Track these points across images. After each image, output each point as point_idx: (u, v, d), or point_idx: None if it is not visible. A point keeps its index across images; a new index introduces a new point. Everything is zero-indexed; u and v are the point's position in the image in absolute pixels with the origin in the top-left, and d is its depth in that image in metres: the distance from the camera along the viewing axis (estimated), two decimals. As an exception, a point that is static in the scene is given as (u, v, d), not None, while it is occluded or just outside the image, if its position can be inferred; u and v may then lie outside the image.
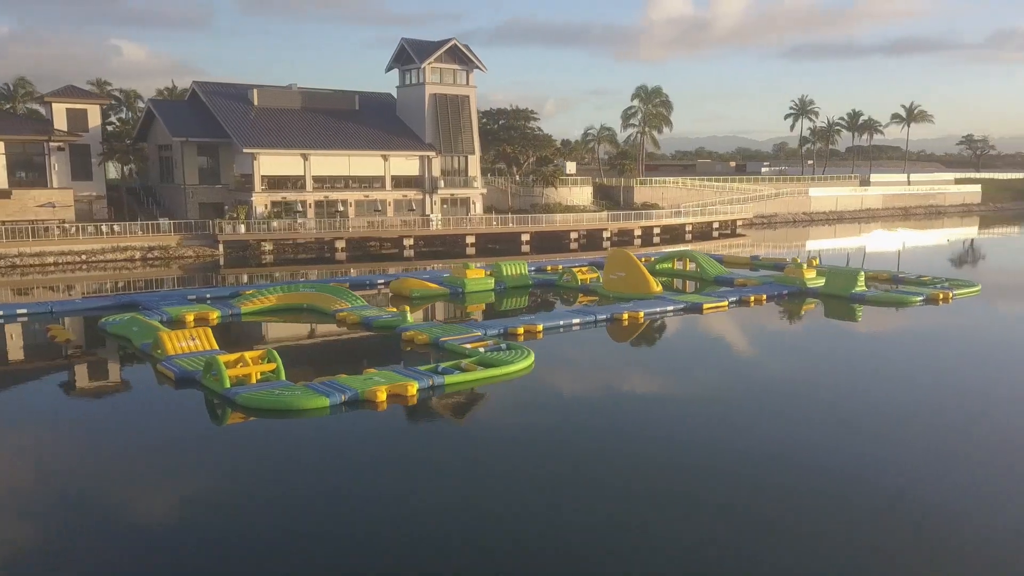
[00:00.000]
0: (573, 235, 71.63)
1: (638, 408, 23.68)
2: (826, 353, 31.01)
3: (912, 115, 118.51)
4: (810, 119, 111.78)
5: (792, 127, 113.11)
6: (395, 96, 77.65)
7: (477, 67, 73.96)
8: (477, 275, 43.39)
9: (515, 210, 76.24)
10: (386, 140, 71.24)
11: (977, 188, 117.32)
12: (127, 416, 23.08)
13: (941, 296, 40.64)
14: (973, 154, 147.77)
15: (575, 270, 45.02)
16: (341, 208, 67.61)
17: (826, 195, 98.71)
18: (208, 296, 40.29)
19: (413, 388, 23.64)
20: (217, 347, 28.28)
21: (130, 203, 68.10)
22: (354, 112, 73.59)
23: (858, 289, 40.97)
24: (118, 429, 21.66)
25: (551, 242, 70.73)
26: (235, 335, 32.56)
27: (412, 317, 33.62)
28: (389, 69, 75.16)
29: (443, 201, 72.69)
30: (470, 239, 67.72)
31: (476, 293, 42.81)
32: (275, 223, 63.50)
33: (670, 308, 37.59)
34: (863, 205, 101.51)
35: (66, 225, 58.10)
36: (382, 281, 46.13)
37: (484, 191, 75.56)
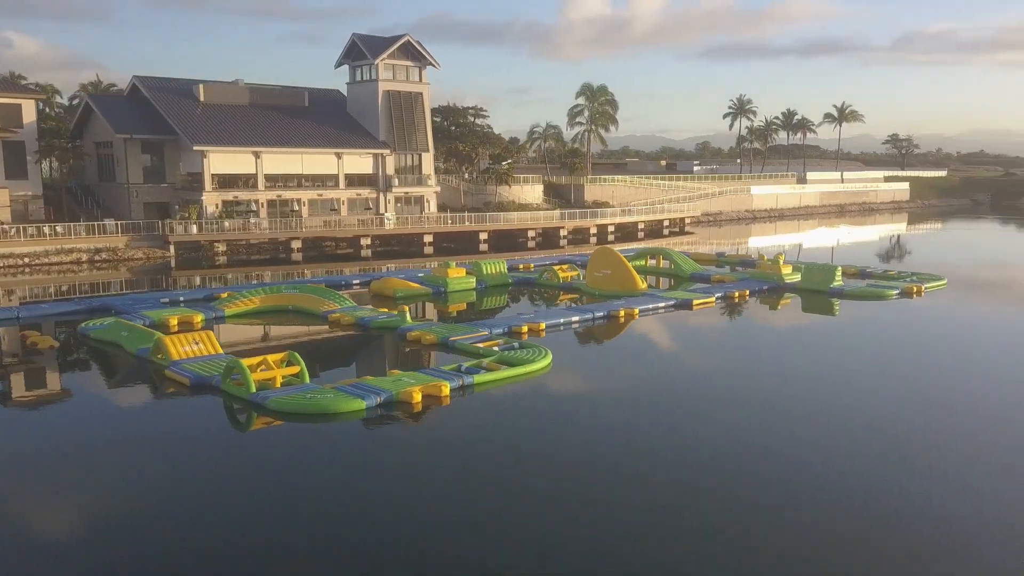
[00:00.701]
0: (531, 233, 71.26)
1: (673, 404, 23.35)
2: (841, 346, 31.27)
3: (844, 115, 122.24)
4: (748, 118, 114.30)
5: (731, 126, 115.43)
6: (344, 92, 76.04)
7: (430, 64, 72.93)
8: (458, 274, 42.61)
9: (468, 208, 75.43)
10: (339, 138, 69.60)
11: (905, 186, 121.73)
12: (155, 426, 21.66)
13: (915, 290, 41.75)
14: (899, 153, 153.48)
15: (556, 268, 44.62)
16: (298, 208, 65.71)
17: (767, 193, 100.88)
18: (182, 299, 38.51)
19: (446, 388, 23.03)
20: (222, 351, 27.01)
21: (69, 203, 64.82)
22: (304, 109, 71.68)
23: (836, 284, 41.71)
24: (152, 441, 20.17)
25: (508, 241, 70.23)
26: (231, 339, 31.04)
27: (411, 318, 32.70)
28: (339, 65, 73.50)
29: (397, 200, 71.42)
30: (428, 238, 66.70)
31: (458, 292, 42.07)
32: (227, 223, 61.33)
33: (662, 305, 37.57)
34: (801, 203, 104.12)
35: (4, 227, 54.90)
36: (357, 282, 44.89)
37: (438, 189, 74.56)
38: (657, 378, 26.64)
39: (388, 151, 70.36)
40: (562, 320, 33.72)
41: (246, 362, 23.24)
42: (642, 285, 40.92)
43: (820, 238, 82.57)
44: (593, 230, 74.79)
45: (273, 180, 65.75)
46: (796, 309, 39.00)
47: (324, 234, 63.80)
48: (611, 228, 76.09)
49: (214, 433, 21.39)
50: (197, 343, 26.90)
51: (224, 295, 39.03)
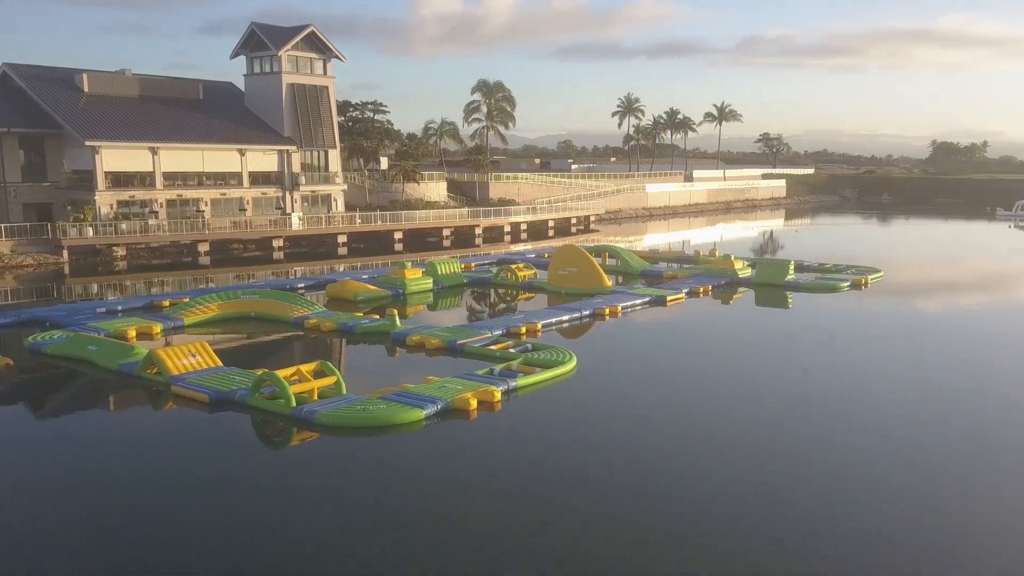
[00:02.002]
0: (445, 232, 69.25)
1: (706, 396, 22.48)
2: (848, 337, 31.60)
3: (723, 114, 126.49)
4: (636, 117, 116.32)
5: (620, 124, 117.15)
6: (237, 85, 71.58)
7: (336, 56, 69.60)
8: (415, 275, 40.40)
9: (374, 207, 72.58)
10: (241, 133, 65.24)
11: (782, 183, 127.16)
12: (193, 455, 18.69)
13: (863, 281, 43.00)
14: (770, 151, 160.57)
15: (513, 267, 43.10)
16: (203, 207, 61.04)
17: (661, 191, 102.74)
18: (119, 308, 34.63)
19: (497, 394, 21.69)
20: (220, 363, 24.20)
21: (-67, 205, 57.63)
22: (199, 102, 66.81)
23: (790, 278, 42.34)
24: (203, 478, 17.29)
25: (421, 240, 68.03)
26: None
27: (400, 322, 30.44)
28: (235, 55, 68.92)
29: (303, 199, 67.75)
30: (341, 239, 63.59)
31: (416, 294, 39.91)
32: (124, 225, 56.20)
33: (638, 302, 36.85)
34: (691, 200, 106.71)
35: None
36: (302, 285, 41.78)
37: (345, 187, 71.32)
38: (684, 372, 26.05)
39: (294, 147, 66.58)
40: (554, 319, 32.38)
41: (281, 374, 20.81)
42: (608, 283, 40.07)
43: (719, 233, 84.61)
44: (507, 228, 73.60)
45: (172, 178, 60.79)
46: (767, 302, 39.35)
47: (233, 236, 59.57)
48: (523, 226, 75.19)
49: (269, 459, 18.77)
50: (194, 355, 24.02)
51: (166, 303, 35.63)
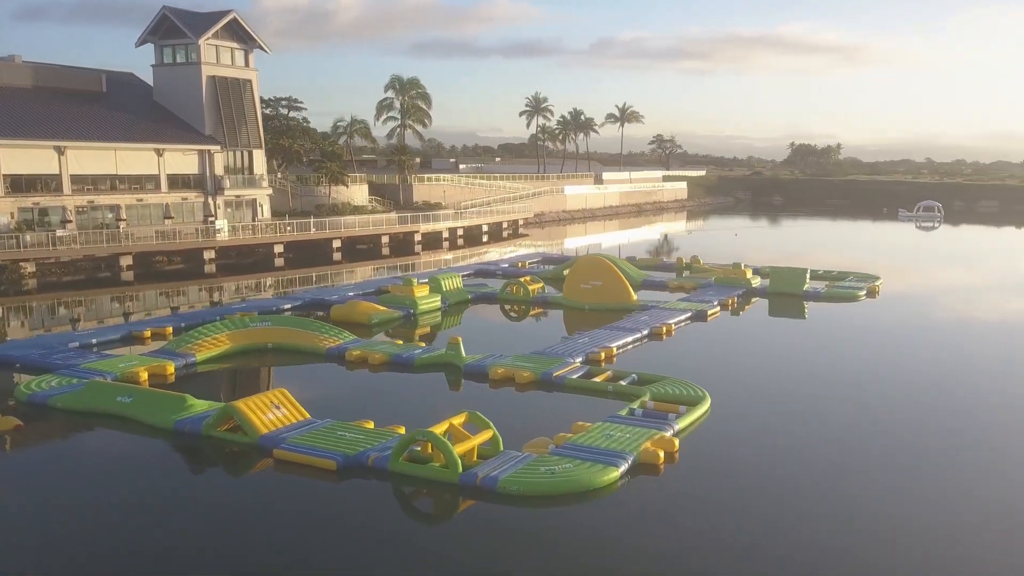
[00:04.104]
0: (384, 239, 64.23)
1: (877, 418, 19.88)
2: (932, 344, 30.46)
3: (625, 115, 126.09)
4: (545, 117, 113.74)
5: (528, 124, 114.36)
6: (139, 76, 64.10)
7: (260, 47, 63.22)
8: (423, 292, 35.95)
9: (297, 212, 66.62)
10: (157, 131, 57.96)
11: (684, 185, 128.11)
12: (352, 543, 14.08)
13: (875, 289, 41.97)
14: (663, 153, 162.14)
15: (523, 280, 39.25)
16: (123, 216, 53.58)
17: (578, 194, 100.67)
18: (95, 342, 28.57)
19: (676, 442, 18.60)
20: (307, 414, 19.52)
21: None
22: (102, 95, 59.02)
23: (808, 287, 40.69)
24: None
25: (359, 248, 62.84)
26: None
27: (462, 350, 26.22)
28: (142, 43, 61.31)
29: (227, 204, 61.10)
30: (278, 248, 57.60)
31: (426, 313, 35.50)
32: (29, 236, 48.34)
33: (682, 317, 33.98)
34: (605, 203, 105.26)
35: None
36: (288, 306, 36.41)
37: (271, 191, 64.99)
38: (821, 397, 23.03)
39: (217, 147, 59.85)
40: (619, 343, 28.93)
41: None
42: (635, 297, 37.01)
43: (644, 236, 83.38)
44: (446, 234, 69.31)
45: (81, 182, 53.08)
46: (808, 312, 37.42)
47: (160, 248, 52.52)
48: (459, 232, 71.14)
49: (458, 546, 14.41)
50: (278, 407, 19.25)
51: (147, 333, 29.86)
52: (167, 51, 61.18)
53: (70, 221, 51.08)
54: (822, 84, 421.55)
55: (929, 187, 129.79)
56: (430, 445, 17.35)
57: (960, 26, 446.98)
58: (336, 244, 60.75)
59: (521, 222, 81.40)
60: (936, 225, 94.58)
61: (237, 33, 61.75)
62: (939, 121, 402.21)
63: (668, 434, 18.95)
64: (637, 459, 17.54)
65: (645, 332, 30.78)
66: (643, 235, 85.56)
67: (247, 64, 62.98)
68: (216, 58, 60.58)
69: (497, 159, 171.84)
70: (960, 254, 69.07)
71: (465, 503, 16.21)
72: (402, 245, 65.41)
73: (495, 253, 63.97)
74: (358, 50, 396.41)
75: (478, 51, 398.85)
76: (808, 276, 41.22)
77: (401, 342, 28.70)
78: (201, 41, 58.92)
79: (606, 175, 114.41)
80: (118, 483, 17.04)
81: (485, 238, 73.84)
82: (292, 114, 76.94)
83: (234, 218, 60.76)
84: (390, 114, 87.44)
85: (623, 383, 23.62)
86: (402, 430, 19.07)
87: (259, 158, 63.65)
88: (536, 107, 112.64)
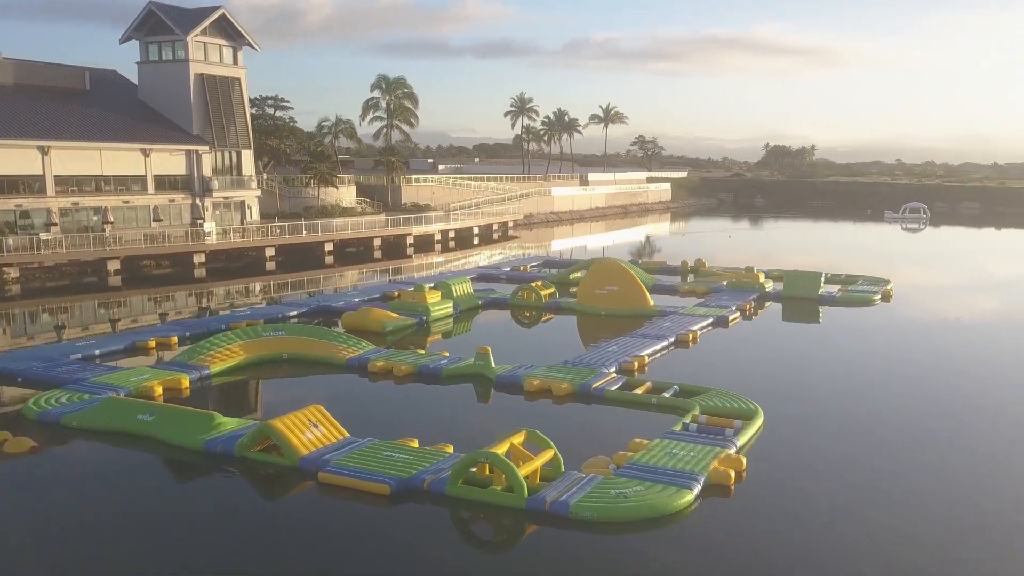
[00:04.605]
0: (376, 243, 62.80)
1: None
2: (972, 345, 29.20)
3: (609, 116, 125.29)
4: (530, 118, 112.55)
5: (513, 125, 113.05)
6: (122, 73, 62.15)
7: (248, 44, 61.47)
8: (435, 298, 34.72)
9: (286, 214, 65.00)
10: (143, 130, 56.06)
11: (668, 187, 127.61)
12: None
13: (889, 292, 41.39)
14: (645, 155, 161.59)
15: (534, 285, 38.11)
16: (111, 219, 51.67)
17: (566, 195, 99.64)
18: (97, 352, 27.11)
19: (743, 460, 17.64)
20: (346, 432, 18.34)
21: None
22: (85, 93, 57.04)
23: (823, 291, 40.02)
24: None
25: (348, 251, 61.35)
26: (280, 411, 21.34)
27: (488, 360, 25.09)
28: (127, 39, 59.39)
29: (215, 206, 59.35)
30: (270, 252, 55.98)
31: (439, 320, 34.31)
32: (12, 240, 46.42)
33: (706, 323, 33.11)
34: (592, 204, 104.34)
35: None
36: (294, 313, 35.00)
37: (259, 192, 63.28)
38: (875, 408, 22.13)
39: (206, 148, 58.09)
40: (649, 351, 27.92)
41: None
42: (651, 302, 36.06)
43: (628, 237, 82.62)
44: (437, 236, 67.99)
45: (65, 183, 51.14)
46: (826, 316, 36.65)
47: (148, 252, 50.72)
48: (451, 234, 69.83)
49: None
50: (316, 426, 18.03)
51: (151, 343, 28.43)
52: (153, 48, 59.28)
53: (55, 224, 49.19)
54: (795, 86, 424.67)
55: (911, 189, 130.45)
56: (487, 466, 16.26)
57: (930, 29, 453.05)
58: (328, 247, 59.18)
59: (511, 224, 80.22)
60: (922, 227, 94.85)
61: (226, 30, 60.01)
62: (909, 123, 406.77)
63: (731, 451, 18.03)
64: (708, 480, 16.57)
65: (672, 339, 29.84)
66: (634, 237, 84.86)
67: (235, 62, 61.25)
68: (204, 55, 58.79)
69: (476, 159, 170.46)
70: (955, 255, 69.01)
71: (529, 529, 15.16)
72: (393, 248, 64.02)
73: (485, 256, 62.75)
74: (328, 50, 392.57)
75: (450, 51, 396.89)
76: (822, 280, 40.55)
77: (423, 351, 27.47)
78: (189, 38, 57.12)
79: (591, 176, 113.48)
80: (153, 511, 15.70)
81: (476, 240, 72.63)
82: (279, 113, 75.28)
83: (223, 220, 59.07)
84: (376, 114, 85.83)
85: (666, 395, 22.63)
86: (450, 449, 17.95)
87: (248, 159, 61.93)
88: (521, 107, 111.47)
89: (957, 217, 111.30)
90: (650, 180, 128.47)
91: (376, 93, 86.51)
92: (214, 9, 58.71)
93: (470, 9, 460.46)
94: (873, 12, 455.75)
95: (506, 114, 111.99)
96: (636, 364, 25.86)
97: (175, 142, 57.01)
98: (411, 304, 34.07)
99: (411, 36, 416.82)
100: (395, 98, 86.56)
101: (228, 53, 60.70)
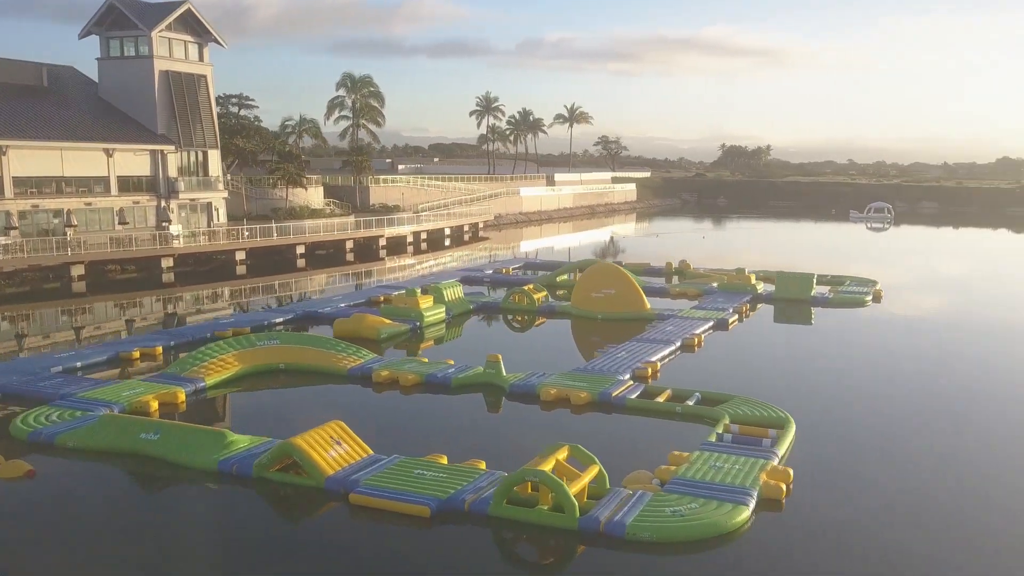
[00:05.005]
0: (348, 245, 61.28)
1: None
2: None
3: (574, 116, 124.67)
4: (496, 117, 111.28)
5: (479, 124, 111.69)
6: (80, 69, 59.69)
7: (215, 40, 59.48)
8: (427, 303, 33.53)
9: (253, 216, 63.17)
10: (105, 129, 53.89)
11: (633, 187, 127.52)
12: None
13: (880, 293, 41.22)
14: (608, 155, 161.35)
15: (526, 289, 37.10)
16: (75, 221, 49.42)
17: (534, 195, 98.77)
18: (79, 365, 25.45)
19: (791, 473, 16.85)
20: (369, 449, 17.20)
21: None
22: (43, 89, 54.61)
23: (815, 292, 39.67)
24: None
25: (318, 254, 59.74)
26: (287, 426, 20.01)
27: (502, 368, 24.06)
28: (86, 35, 57.05)
29: (181, 208, 57.28)
30: (240, 255, 54.17)
31: (432, 326, 33.14)
32: (-31, 245, 44.15)
33: (707, 327, 32.40)
34: (560, 205, 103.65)
35: None
36: (280, 319, 33.52)
37: (227, 194, 61.31)
38: (910, 407, 21.49)
39: (171, 148, 56.03)
40: (659, 356, 27.11)
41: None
42: (648, 305, 35.29)
43: (599, 237, 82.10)
44: (410, 238, 66.62)
45: (24, 184, 48.81)
46: (821, 318, 36.17)
47: (115, 256, 48.64)
48: (423, 235, 68.52)
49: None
50: (338, 443, 16.84)
51: (135, 354, 26.87)
52: (115, 43, 57.02)
53: (14, 228, 46.86)
54: (747, 87, 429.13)
55: (870, 189, 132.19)
56: (529, 485, 15.26)
57: (880, 31, 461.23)
58: (300, 250, 57.52)
59: (481, 225, 79.11)
60: (887, 226, 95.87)
61: (191, 26, 57.97)
62: (860, 124, 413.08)
63: (775, 463, 17.26)
64: (760, 494, 15.76)
65: (678, 344, 29.08)
66: (604, 237, 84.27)
67: (201, 59, 59.23)
68: (169, 52, 56.72)
69: (435, 159, 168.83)
70: (927, 254, 69.53)
71: (579, 550, 14.22)
72: (364, 250, 62.55)
73: (458, 258, 61.69)
74: (278, 48, 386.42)
75: (403, 50, 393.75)
76: (814, 281, 40.19)
77: (426, 360, 26.30)
78: (153, 33, 55.03)
79: (558, 176, 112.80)
80: (171, 540, 14.38)
81: (447, 242, 71.41)
82: (243, 112, 73.26)
83: (189, 223, 57.07)
84: (342, 113, 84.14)
85: (690, 403, 21.80)
86: (482, 465, 16.87)
87: (215, 159, 59.97)
88: (487, 107, 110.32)
89: (917, 217, 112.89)
90: (615, 180, 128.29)
91: (342, 92, 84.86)
92: (179, 3, 56.61)
93: (422, 8, 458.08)
94: (825, 14, 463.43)
95: (471, 113, 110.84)
96: (650, 370, 25.02)
97: (139, 141, 54.89)
98: (403, 309, 32.83)
99: (363, 35, 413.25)
100: (361, 97, 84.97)
101: (194, 49, 58.68)
